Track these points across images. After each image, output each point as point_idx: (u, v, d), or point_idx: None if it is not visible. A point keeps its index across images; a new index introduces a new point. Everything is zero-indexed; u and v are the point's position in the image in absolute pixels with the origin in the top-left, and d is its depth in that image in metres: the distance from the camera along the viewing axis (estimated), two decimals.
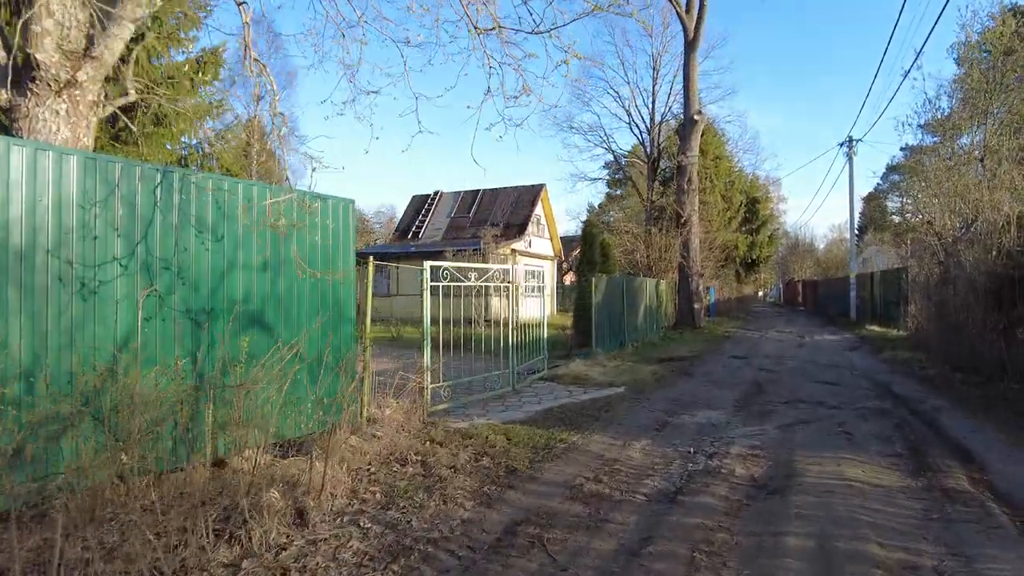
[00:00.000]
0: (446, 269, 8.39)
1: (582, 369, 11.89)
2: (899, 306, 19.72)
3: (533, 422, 7.62)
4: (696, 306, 23.93)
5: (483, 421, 7.59)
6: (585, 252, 16.42)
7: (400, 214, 36.60)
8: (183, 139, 13.46)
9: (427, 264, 7.99)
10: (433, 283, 8.06)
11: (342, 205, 6.52)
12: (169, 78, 13.21)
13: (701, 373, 12.48)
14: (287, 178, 37.50)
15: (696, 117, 23.84)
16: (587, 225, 16.75)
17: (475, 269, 9.41)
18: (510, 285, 10.31)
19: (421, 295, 7.87)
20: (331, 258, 6.33)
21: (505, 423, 7.49)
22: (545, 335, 11.39)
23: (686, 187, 23.89)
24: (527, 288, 30.11)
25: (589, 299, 14.29)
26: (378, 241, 47.12)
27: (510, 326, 9.55)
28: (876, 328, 22.32)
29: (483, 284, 9.65)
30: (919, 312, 15.34)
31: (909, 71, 35.07)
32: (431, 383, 7.99)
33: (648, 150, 39.18)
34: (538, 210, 32.29)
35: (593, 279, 13.98)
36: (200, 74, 13.97)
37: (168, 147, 13.13)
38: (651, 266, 24.39)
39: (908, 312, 17.37)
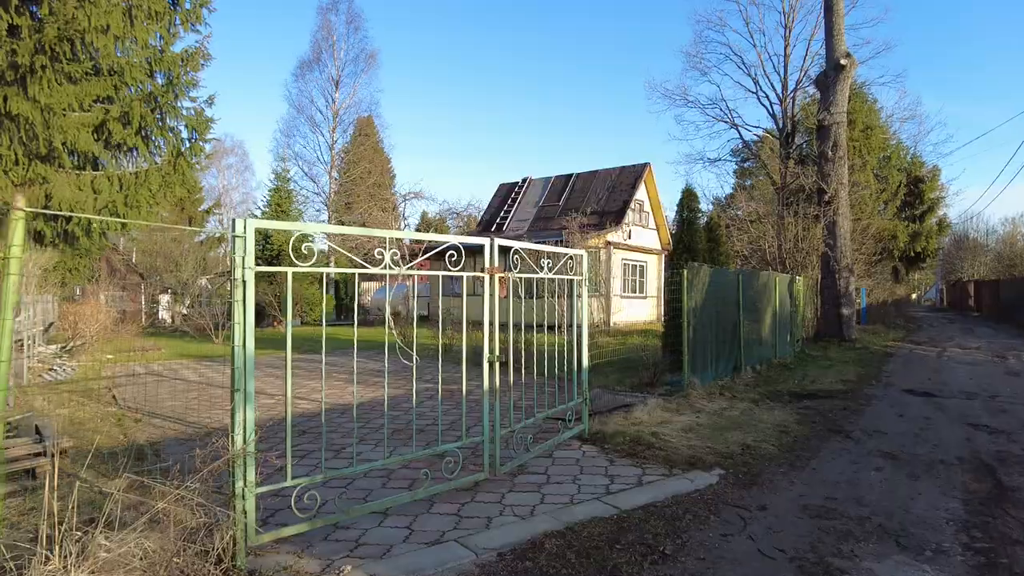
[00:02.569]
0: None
1: (656, 417, 7.28)
2: None
3: None
4: (845, 312, 18.09)
5: None
6: (682, 236, 11.59)
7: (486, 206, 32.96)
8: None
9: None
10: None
11: None
12: None
13: (865, 430, 7.40)
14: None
15: (843, 61, 18.02)
16: (684, 197, 11.88)
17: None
18: (572, 279, 6.00)
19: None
20: None
21: None
22: (585, 358, 6.83)
23: (831, 154, 18.14)
24: (625, 286, 25.29)
25: (682, 302, 9.59)
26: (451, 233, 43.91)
27: (530, 339, 5.22)
28: None
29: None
30: None
31: None
32: (293, 479, 3.90)
33: (779, 123, 32.87)
34: (640, 194, 27.29)
35: (686, 272, 9.26)
36: None
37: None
38: (783, 259, 18.84)
39: None
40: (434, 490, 4.66)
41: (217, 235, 33.29)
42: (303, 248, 3.89)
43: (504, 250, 5.17)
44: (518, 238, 21.91)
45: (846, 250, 18.46)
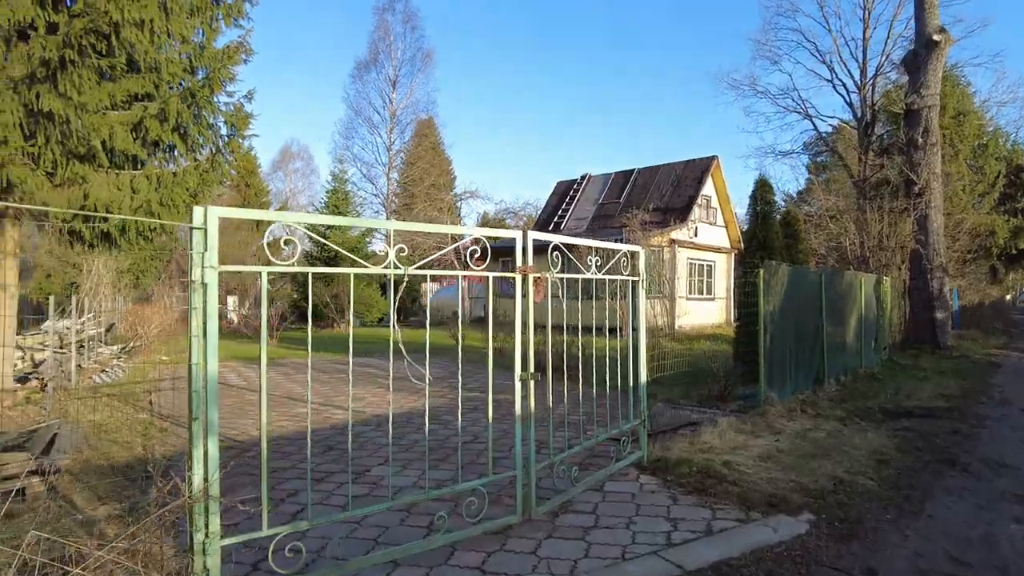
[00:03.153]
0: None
1: (728, 441, 6.25)
2: None
3: None
4: (939, 315, 16.29)
5: None
6: (756, 232, 10.41)
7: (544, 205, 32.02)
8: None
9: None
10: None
11: None
12: None
13: (987, 462, 6.14)
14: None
15: (936, 37, 16.24)
16: (758, 188, 10.69)
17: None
18: (628, 280, 5.14)
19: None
20: None
21: None
22: (643, 372, 5.87)
23: (921, 140, 16.40)
24: (691, 287, 23.93)
25: (757, 305, 8.48)
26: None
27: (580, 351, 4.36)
28: None
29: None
30: None
31: None
32: (270, 528, 3.17)
33: (858, 112, 30.62)
34: (707, 188, 25.80)
35: (762, 272, 8.15)
36: None
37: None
38: (866, 257, 17.20)
39: None
40: (453, 537, 3.85)
41: (268, 241, 33.63)
42: (281, 243, 3.15)
43: (547, 247, 4.32)
44: (576, 236, 20.94)
45: (940, 247, 16.66)
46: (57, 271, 28.49)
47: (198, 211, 2.83)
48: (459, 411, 4.07)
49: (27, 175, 8.72)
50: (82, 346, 16.01)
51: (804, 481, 5.21)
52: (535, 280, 4.00)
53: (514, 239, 3.96)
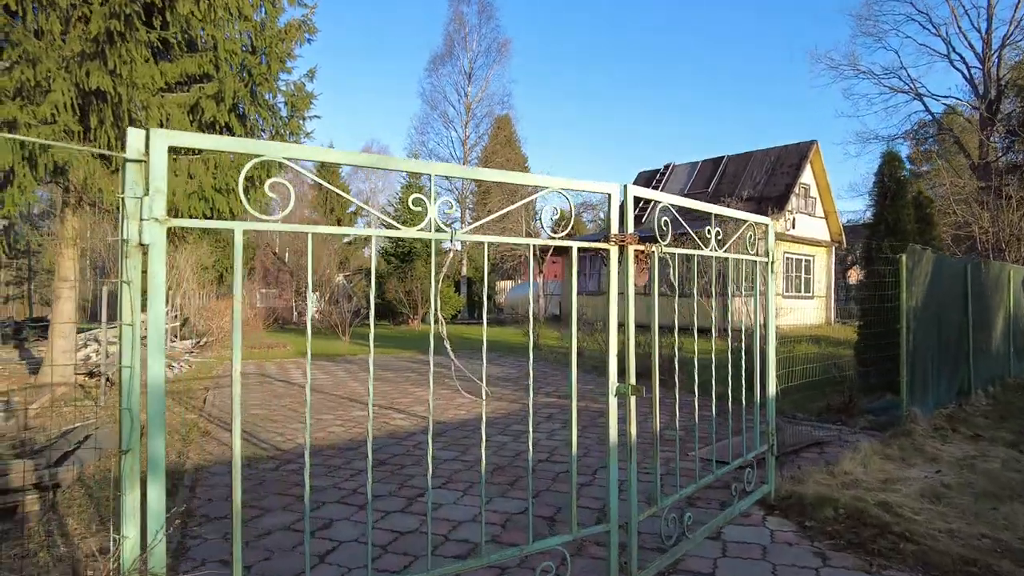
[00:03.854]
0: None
1: (875, 471, 4.86)
2: None
3: None
4: None
5: None
6: (884, 213, 8.76)
7: None
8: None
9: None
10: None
11: None
12: None
13: None
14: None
15: None
16: (886, 163, 9.02)
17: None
18: (755, 261, 3.94)
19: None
20: None
21: None
22: (772, 383, 4.52)
23: None
24: (787, 285, 21.93)
25: (896, 301, 6.96)
26: (588, 230, 41.42)
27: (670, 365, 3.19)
28: None
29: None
30: None
31: None
32: None
33: (980, 89, 27.44)
34: (806, 177, 23.59)
35: (904, 259, 6.63)
36: None
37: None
38: (1002, 247, 14.95)
39: None
40: None
41: (349, 240, 33.16)
42: (266, 188, 2.15)
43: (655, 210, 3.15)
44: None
45: None
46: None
47: (135, 135, 1.86)
48: (572, 400, 2.94)
49: (80, 159, 8.30)
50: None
51: (1001, 537, 3.80)
52: (637, 255, 2.84)
53: (607, 195, 2.82)
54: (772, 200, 22.24)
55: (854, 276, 40.27)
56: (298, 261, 37.16)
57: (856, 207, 66.13)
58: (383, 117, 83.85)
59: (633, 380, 2.84)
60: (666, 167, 27.63)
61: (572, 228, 2.79)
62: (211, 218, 9.89)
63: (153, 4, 8.25)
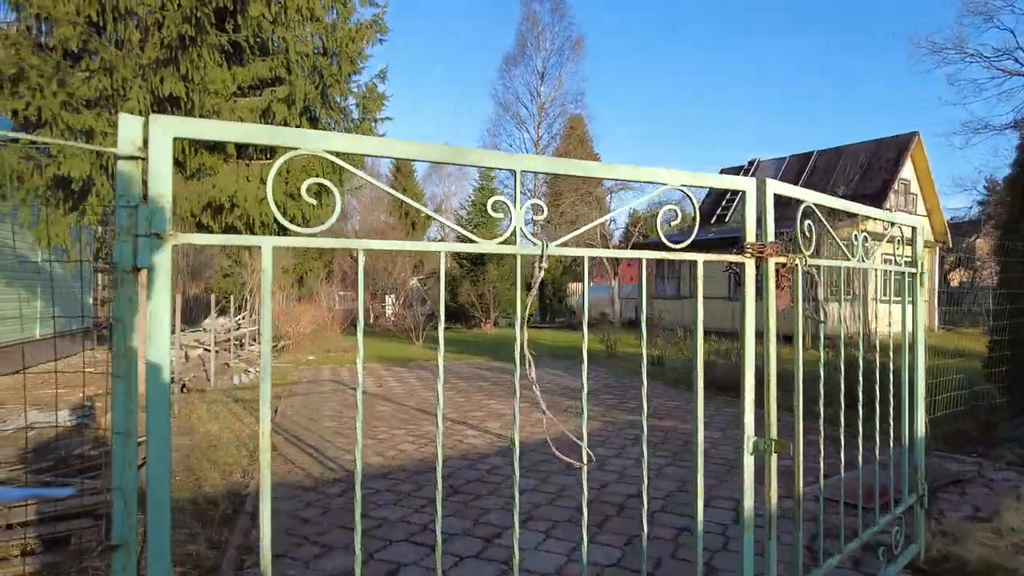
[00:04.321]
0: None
1: None
2: None
3: None
4: None
5: None
6: (1022, 200, 7.62)
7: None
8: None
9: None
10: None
11: None
12: None
13: None
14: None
15: None
16: None
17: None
18: (904, 272, 3.24)
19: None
20: None
21: None
22: (921, 418, 3.69)
23: None
24: (885, 288, 20.23)
25: None
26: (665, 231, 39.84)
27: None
28: None
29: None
30: None
31: None
32: None
33: None
34: (906, 171, 21.76)
35: None
36: None
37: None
38: None
39: None
40: None
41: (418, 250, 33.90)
42: (303, 192, 1.66)
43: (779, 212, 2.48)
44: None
45: None
46: (235, 271, 30.47)
47: (129, 123, 1.40)
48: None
49: None
50: (240, 344, 16.34)
51: None
52: (778, 269, 2.20)
53: (741, 192, 2.20)
54: (868, 198, 20.60)
55: (956, 278, 37.25)
56: (373, 264, 37.64)
57: (958, 204, 61.32)
58: (454, 120, 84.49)
59: (774, 432, 2.20)
60: (750, 163, 26.22)
61: (691, 230, 2.18)
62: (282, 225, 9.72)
63: (225, 8, 8.11)
